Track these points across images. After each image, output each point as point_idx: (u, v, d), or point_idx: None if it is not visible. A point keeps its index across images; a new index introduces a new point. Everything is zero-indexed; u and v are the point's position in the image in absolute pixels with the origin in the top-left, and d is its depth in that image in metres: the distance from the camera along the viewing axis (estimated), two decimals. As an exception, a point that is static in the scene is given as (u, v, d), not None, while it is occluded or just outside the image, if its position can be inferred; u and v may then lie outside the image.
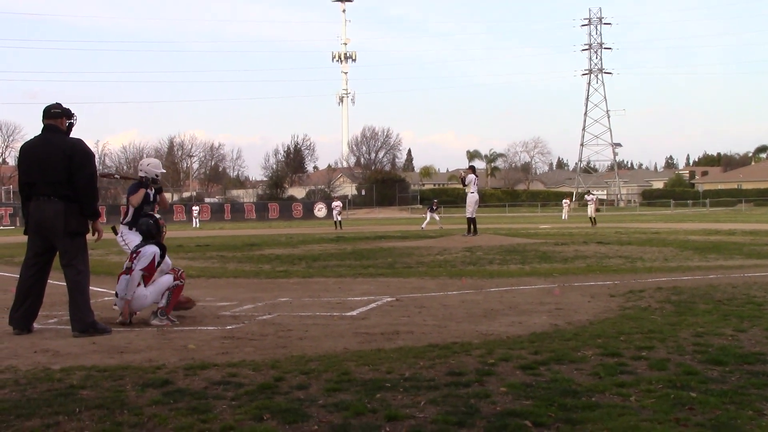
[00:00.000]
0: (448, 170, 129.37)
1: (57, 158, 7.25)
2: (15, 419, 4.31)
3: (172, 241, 27.45)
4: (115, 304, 8.30)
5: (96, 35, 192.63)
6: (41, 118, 7.47)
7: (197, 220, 55.25)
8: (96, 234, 7.70)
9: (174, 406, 4.55)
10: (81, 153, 7.36)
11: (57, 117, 7.46)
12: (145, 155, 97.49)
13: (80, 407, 4.52)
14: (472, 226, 21.90)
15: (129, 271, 8.00)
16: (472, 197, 21.65)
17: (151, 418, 4.31)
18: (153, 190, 9.17)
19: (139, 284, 7.93)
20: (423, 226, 36.17)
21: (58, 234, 7.30)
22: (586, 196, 39.57)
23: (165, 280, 8.11)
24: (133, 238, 8.78)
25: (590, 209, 37.64)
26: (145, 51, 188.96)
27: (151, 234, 8.29)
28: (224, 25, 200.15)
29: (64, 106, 7.57)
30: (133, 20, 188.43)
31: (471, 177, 21.76)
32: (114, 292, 8.24)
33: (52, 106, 7.51)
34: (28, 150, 7.49)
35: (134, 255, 8.10)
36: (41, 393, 4.92)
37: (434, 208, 40.41)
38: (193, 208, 58.65)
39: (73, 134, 7.58)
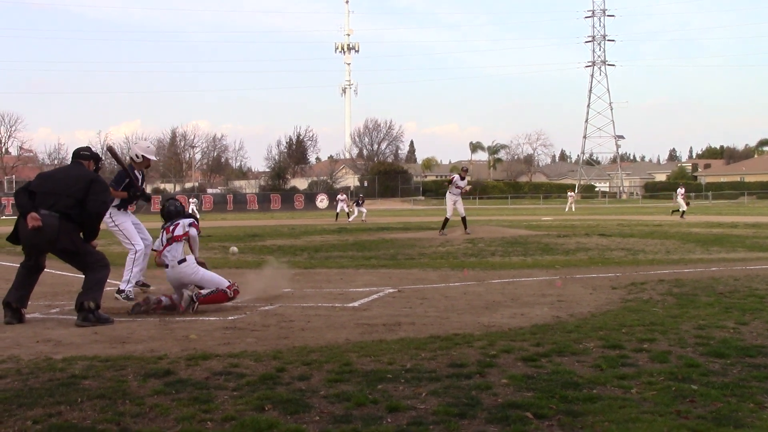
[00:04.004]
0: (450, 162, 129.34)
1: (77, 178, 7.54)
2: (17, 408, 4.32)
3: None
4: (120, 293, 8.45)
5: (100, 25, 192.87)
6: (71, 158, 7.98)
7: (194, 208, 54.79)
8: (95, 245, 7.91)
9: (176, 396, 4.56)
10: (102, 183, 7.72)
11: (86, 159, 7.90)
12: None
13: (82, 397, 4.53)
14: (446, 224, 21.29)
15: (171, 241, 8.37)
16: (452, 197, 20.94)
17: (152, 408, 4.32)
18: (141, 173, 9.41)
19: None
20: (350, 219, 38.75)
21: (50, 247, 7.44)
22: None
23: (219, 279, 8.33)
24: (123, 219, 8.98)
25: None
26: (149, 41, 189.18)
27: (180, 213, 8.62)
28: (228, 16, 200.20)
29: (93, 150, 8.08)
30: (138, 10, 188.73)
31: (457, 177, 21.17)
32: (116, 283, 8.27)
33: (82, 148, 8.03)
34: (47, 171, 7.97)
35: (171, 227, 8.43)
36: (43, 383, 4.93)
37: (360, 202, 41.61)
38: (191, 200, 58.37)
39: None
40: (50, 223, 7.27)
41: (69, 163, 8.00)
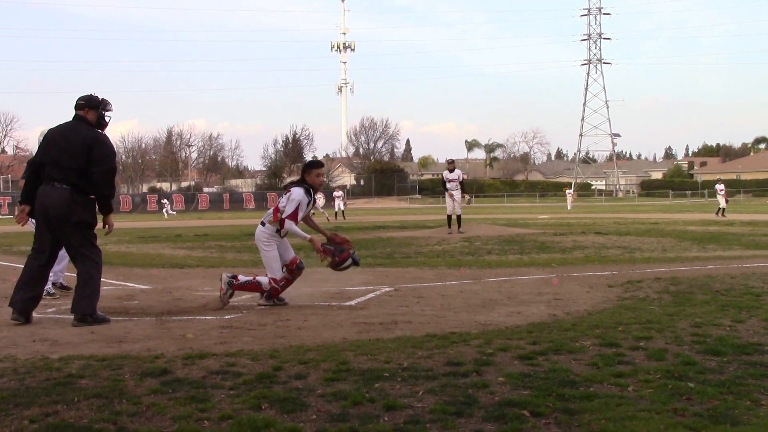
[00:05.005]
0: (446, 160, 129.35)
1: (76, 145, 7.21)
2: (14, 408, 4.31)
3: (171, 230, 27.42)
4: None
5: (97, 24, 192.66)
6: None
7: (167, 211, 53.74)
8: (107, 227, 7.60)
9: (172, 396, 4.55)
10: (101, 146, 7.29)
11: (80, 108, 7.42)
12: (143, 145, 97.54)
13: (79, 396, 4.53)
14: (451, 222, 21.07)
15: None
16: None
17: (149, 407, 4.31)
18: None
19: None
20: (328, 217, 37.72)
21: (63, 222, 7.21)
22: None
23: (274, 268, 8.13)
24: None
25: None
26: (146, 40, 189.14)
27: (301, 179, 8.33)
28: (225, 15, 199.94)
29: (95, 97, 7.51)
30: (135, 9, 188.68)
31: (458, 173, 20.98)
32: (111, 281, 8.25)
33: (80, 98, 7.51)
34: (50, 133, 7.49)
35: (285, 193, 8.19)
36: (40, 382, 4.92)
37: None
38: (164, 201, 57.63)
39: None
40: (62, 195, 7.15)
41: (72, 119, 7.50)
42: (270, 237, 8.15)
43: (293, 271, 8.27)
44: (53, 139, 7.39)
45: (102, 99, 7.52)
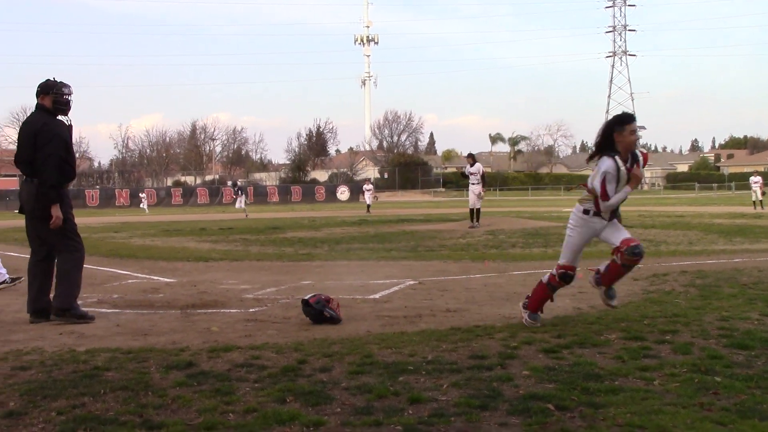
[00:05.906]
0: (468, 154, 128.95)
1: (27, 136, 7.07)
2: (42, 400, 4.36)
3: (196, 224, 27.58)
4: None
5: (121, 18, 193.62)
6: None
7: (145, 204, 53.37)
8: (52, 219, 7.02)
9: (198, 388, 4.58)
10: (45, 132, 6.99)
11: (37, 96, 7.19)
12: (167, 139, 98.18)
13: (105, 389, 4.57)
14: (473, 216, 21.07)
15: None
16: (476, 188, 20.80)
17: (175, 399, 4.34)
18: None
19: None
20: (246, 214, 35.93)
21: (32, 216, 7.16)
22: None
23: (620, 236, 6.30)
24: None
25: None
26: (170, 34, 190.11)
27: None
28: (248, 9, 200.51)
29: (49, 82, 7.18)
30: (159, 3, 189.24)
31: (479, 166, 21.25)
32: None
33: (38, 84, 7.20)
34: (20, 128, 7.42)
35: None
36: (67, 374, 4.97)
37: (240, 192, 40.91)
38: (141, 195, 57.62)
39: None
40: (31, 190, 7.07)
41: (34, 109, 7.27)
42: (576, 219, 6.62)
43: (624, 255, 6.20)
44: (19, 133, 7.33)
45: (58, 82, 7.20)
